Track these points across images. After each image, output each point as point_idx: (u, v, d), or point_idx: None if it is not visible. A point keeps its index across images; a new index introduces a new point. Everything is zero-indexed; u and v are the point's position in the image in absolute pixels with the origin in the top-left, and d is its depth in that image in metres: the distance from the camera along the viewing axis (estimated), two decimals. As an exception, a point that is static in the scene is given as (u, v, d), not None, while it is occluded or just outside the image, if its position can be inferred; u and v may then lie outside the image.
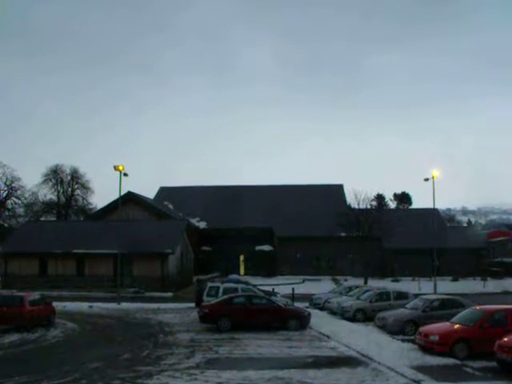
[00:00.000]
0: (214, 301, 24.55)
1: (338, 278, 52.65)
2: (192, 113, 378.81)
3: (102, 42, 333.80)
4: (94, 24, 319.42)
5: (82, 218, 71.56)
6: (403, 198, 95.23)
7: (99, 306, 32.55)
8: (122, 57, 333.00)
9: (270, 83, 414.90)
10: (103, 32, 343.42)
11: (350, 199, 57.17)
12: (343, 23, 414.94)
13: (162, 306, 32.88)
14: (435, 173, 40.49)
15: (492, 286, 46.77)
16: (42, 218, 70.09)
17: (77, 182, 74.60)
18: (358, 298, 28.60)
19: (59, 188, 73.44)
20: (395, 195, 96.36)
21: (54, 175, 72.68)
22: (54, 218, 72.18)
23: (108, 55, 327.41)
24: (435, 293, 36.37)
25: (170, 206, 65.15)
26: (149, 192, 70.33)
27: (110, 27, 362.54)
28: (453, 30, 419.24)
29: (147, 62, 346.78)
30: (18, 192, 69.07)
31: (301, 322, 23.22)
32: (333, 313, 28.90)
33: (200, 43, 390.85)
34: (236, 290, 27.38)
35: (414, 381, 13.29)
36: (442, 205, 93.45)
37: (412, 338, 19.12)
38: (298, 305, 29.02)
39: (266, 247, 60.74)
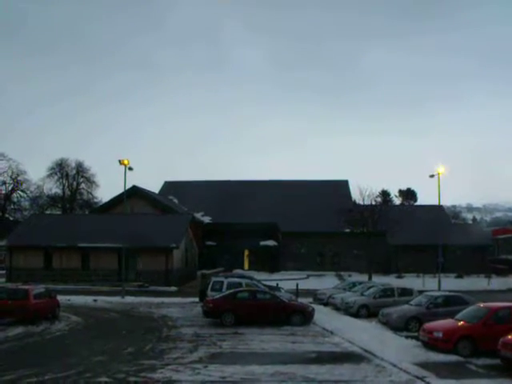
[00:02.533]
0: (217, 295, 24.61)
1: (342, 273, 52.66)
2: (197, 108, 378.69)
3: (102, 38, 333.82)
4: (93, 21, 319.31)
5: (86, 212, 71.81)
6: (408, 195, 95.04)
7: (103, 300, 32.69)
8: (124, 53, 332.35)
9: (273, 81, 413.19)
10: (103, 29, 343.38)
11: (355, 195, 57.17)
12: (341, 21, 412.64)
13: (166, 300, 32.97)
14: (440, 169, 40.34)
15: (496, 283, 46.62)
16: (47, 212, 70.46)
17: (82, 176, 74.90)
18: (361, 294, 28.57)
19: (64, 182, 73.79)
20: (400, 191, 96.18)
21: (59, 169, 72.98)
22: (59, 212, 72.52)
23: (110, 51, 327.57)
24: (439, 290, 36.27)
25: (175, 201, 65.20)
26: (153, 186, 70.41)
27: (109, 25, 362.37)
28: (452, 26, 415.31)
29: (149, 58, 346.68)
30: (24, 185, 69.55)
31: (304, 317, 23.23)
32: (336, 308, 28.91)
33: (197, 41, 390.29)
34: (240, 284, 27.43)
35: (417, 377, 13.27)
36: (447, 201, 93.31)
37: (416, 334, 19.12)
38: (302, 300, 29.01)
39: (271, 242, 60.72)
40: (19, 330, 20.74)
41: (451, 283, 43.07)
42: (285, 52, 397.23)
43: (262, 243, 60.41)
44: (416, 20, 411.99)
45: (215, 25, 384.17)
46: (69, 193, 74.60)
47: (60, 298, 26.72)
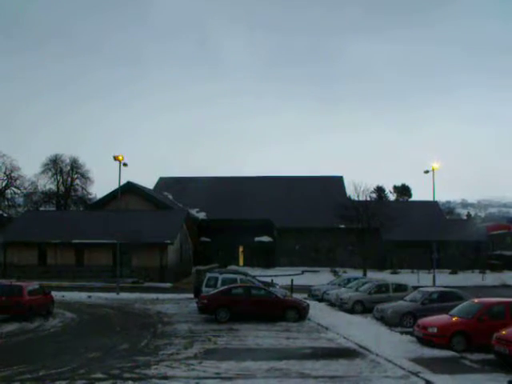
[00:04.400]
0: (212, 291, 24.60)
1: (337, 269, 52.68)
2: (192, 104, 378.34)
3: (94, 34, 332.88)
4: (85, 17, 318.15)
5: (81, 208, 71.54)
6: (403, 191, 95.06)
7: (98, 296, 32.63)
8: (116, 48, 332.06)
9: (264, 76, 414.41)
10: (99, 22, 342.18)
11: (350, 191, 56.99)
12: (331, 15, 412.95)
13: (161, 296, 32.92)
14: (435, 165, 40.46)
15: (491, 279, 46.77)
16: (42, 208, 70.09)
17: (76, 172, 74.47)
18: (356, 290, 28.63)
19: (59, 178, 73.33)
20: (395, 187, 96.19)
21: (54, 165, 72.52)
22: (54, 208, 72.17)
23: (102, 47, 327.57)
24: (434, 285, 36.40)
25: (170, 197, 65.07)
26: (148, 182, 70.38)
27: (100, 20, 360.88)
28: (440, 18, 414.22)
29: (141, 53, 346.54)
30: (18, 181, 69.05)
31: (299, 313, 23.25)
32: (331, 304, 28.95)
33: (190, 36, 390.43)
34: (235, 280, 27.43)
35: (412, 373, 13.30)
36: (441, 197, 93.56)
37: (410, 330, 19.16)
38: (297, 296, 29.07)
39: (266, 238, 60.69)
40: (13, 326, 20.68)
41: (446, 279, 43.27)
42: (276, 48, 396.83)
43: (257, 239, 60.38)
44: (407, 13, 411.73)
45: (206, 20, 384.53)
46: (63, 189, 74.20)
47: (54, 294, 26.66)
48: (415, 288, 27.04)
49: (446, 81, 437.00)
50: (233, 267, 51.73)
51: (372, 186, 76.14)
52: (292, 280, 35.45)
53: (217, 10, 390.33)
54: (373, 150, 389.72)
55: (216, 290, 24.59)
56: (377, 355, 15.46)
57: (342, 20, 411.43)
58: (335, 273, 49.58)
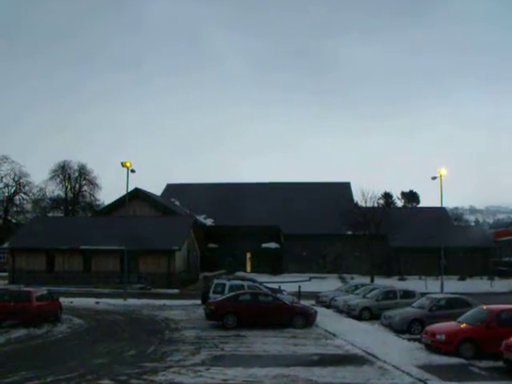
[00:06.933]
0: (220, 298, 24.60)
1: (344, 276, 52.55)
2: (199, 110, 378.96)
3: (102, 38, 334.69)
4: (92, 21, 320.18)
5: (89, 214, 71.83)
6: (411, 197, 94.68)
7: (106, 302, 32.67)
8: (123, 55, 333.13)
9: (269, 82, 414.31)
10: (98, 28, 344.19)
11: (358, 197, 56.97)
12: (333, 20, 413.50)
13: (168, 302, 32.93)
14: (443, 171, 40.34)
15: (499, 285, 46.48)
16: (50, 214, 70.45)
17: (84, 178, 74.92)
18: (364, 297, 28.53)
19: (67, 184, 73.76)
20: (403, 194, 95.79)
21: (62, 171, 72.95)
22: (62, 214, 72.55)
23: (110, 52, 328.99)
24: (442, 292, 36.21)
25: (177, 203, 65.22)
26: (156, 189, 70.49)
27: (102, 25, 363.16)
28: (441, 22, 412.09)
29: (148, 60, 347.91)
30: (26, 188, 69.58)
31: (307, 319, 23.19)
32: (339, 311, 28.84)
33: (190, 43, 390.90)
34: (242, 287, 27.42)
35: (420, 380, 13.23)
36: (449, 203, 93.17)
37: (418, 337, 19.06)
38: (304, 302, 28.98)
39: (273, 245, 60.68)
40: (21, 332, 20.74)
41: (454, 285, 42.96)
42: (277, 53, 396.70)
43: (264, 245, 60.39)
44: (406, 16, 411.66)
45: (204, 27, 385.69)
46: (71, 195, 74.63)
47: (62, 300, 26.74)
48: (423, 294, 26.90)
49: (454, 87, 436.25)
50: (240, 273, 51.70)
51: (379, 192, 75.70)
52: (299, 286, 35.33)
53: (213, 17, 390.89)
54: (380, 156, 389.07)
55: (223, 297, 24.59)
56: (384, 362, 15.40)
57: (341, 25, 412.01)
58: (343, 279, 49.43)
